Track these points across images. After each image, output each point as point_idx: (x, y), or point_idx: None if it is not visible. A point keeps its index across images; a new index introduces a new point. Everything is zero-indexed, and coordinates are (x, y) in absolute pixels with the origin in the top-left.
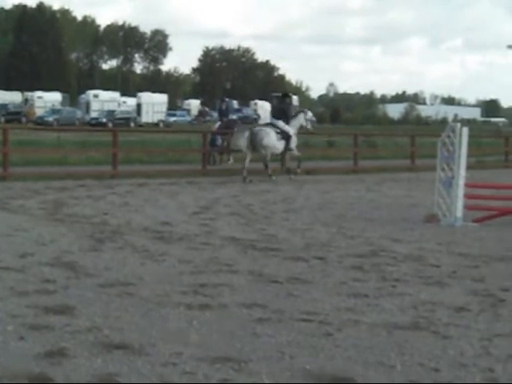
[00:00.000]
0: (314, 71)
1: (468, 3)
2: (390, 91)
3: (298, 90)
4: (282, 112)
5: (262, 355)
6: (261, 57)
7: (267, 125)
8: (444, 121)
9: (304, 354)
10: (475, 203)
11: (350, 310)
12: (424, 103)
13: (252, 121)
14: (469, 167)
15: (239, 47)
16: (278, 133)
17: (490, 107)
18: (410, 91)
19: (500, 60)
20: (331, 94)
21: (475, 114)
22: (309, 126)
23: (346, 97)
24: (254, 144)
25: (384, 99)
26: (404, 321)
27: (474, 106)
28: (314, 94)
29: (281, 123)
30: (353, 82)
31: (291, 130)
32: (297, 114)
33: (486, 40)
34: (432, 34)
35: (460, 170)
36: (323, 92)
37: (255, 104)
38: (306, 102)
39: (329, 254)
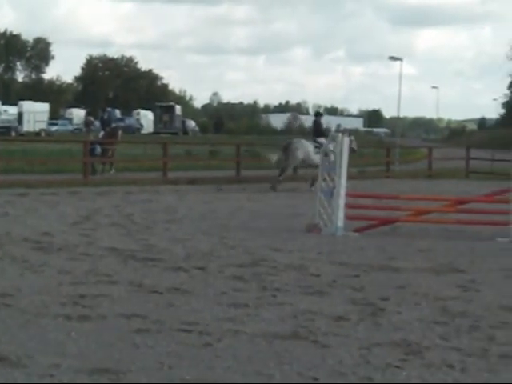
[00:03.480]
0: (197, 81)
1: (351, 14)
2: (274, 101)
3: (181, 100)
4: (319, 131)
5: (140, 366)
6: (144, 66)
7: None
8: (327, 131)
9: (183, 364)
10: (356, 213)
11: (230, 320)
12: (307, 113)
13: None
14: (350, 177)
15: (123, 56)
16: (316, 147)
17: (373, 117)
18: (294, 101)
19: (382, 71)
20: (215, 104)
21: (358, 124)
22: (353, 145)
23: (229, 106)
24: (288, 152)
25: (267, 109)
26: (284, 330)
27: (356, 116)
28: (198, 104)
29: (322, 139)
30: (237, 91)
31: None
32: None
33: (369, 51)
34: (315, 45)
35: (341, 180)
36: (207, 101)
37: (138, 113)
38: (190, 111)
39: (210, 263)
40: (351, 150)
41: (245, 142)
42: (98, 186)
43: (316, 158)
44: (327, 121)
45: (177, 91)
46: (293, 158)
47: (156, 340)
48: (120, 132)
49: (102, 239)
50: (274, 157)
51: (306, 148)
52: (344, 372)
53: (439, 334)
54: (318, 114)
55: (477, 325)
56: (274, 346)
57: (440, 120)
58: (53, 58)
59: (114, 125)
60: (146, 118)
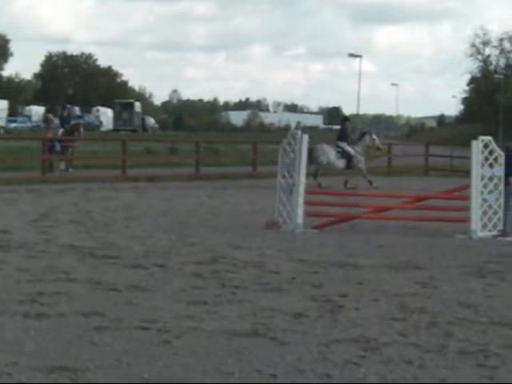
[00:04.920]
0: (157, 78)
1: (311, 11)
2: (234, 98)
3: (141, 97)
4: (343, 135)
5: (99, 364)
6: (104, 63)
7: (328, 144)
8: (287, 128)
9: (142, 362)
10: (316, 210)
11: (190, 318)
12: (267, 110)
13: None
14: (310, 174)
15: (82, 53)
16: (338, 152)
17: (333, 114)
18: (253, 98)
19: (342, 68)
20: (174, 101)
21: (318, 121)
22: (377, 144)
23: (189, 103)
24: (311, 158)
25: (227, 106)
26: (243, 328)
27: (316, 113)
28: (158, 101)
29: (342, 144)
30: (196, 88)
31: (352, 150)
32: (362, 136)
33: (329, 48)
34: (275, 42)
35: (300, 177)
36: (167, 99)
37: (97, 110)
38: (150, 108)
39: (169, 261)
40: (376, 148)
41: (204, 139)
42: (56, 183)
43: (338, 163)
44: (287, 118)
45: (136, 88)
46: (317, 163)
47: (114, 338)
48: (82, 129)
49: (61, 237)
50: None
51: (327, 153)
52: (303, 369)
53: (397, 330)
54: (344, 119)
55: (435, 321)
56: (233, 343)
57: (399, 117)
58: (11, 54)
59: (73, 122)
60: (106, 115)
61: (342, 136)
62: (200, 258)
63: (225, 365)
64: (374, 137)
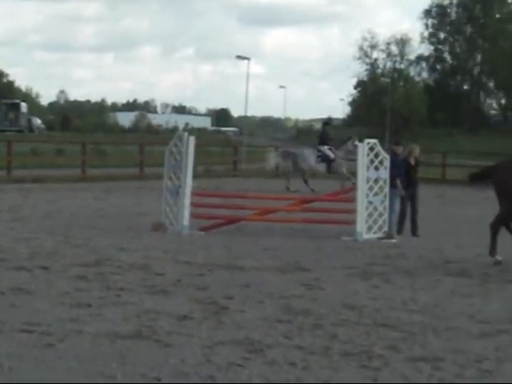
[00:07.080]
0: (44, 78)
1: (200, 13)
2: (122, 99)
3: (27, 97)
4: (324, 139)
5: None
6: None
7: (310, 149)
8: (174, 129)
9: (24, 365)
10: (203, 212)
11: (73, 321)
12: (155, 112)
13: None
14: (197, 176)
15: None
16: (319, 156)
17: (221, 116)
18: (142, 99)
19: (231, 70)
20: (62, 102)
21: (206, 123)
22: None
23: (76, 104)
24: (294, 164)
25: (115, 107)
26: (127, 330)
27: (204, 115)
28: (45, 102)
29: (323, 148)
30: (84, 89)
31: (332, 155)
32: (345, 141)
33: (217, 50)
34: (164, 43)
35: (187, 179)
36: (54, 99)
37: None
38: (36, 109)
39: (53, 263)
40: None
41: (91, 140)
42: None
43: (318, 167)
44: (175, 119)
45: (23, 88)
46: (301, 169)
47: None
48: None
49: None
50: (271, 160)
51: (308, 159)
52: (187, 372)
53: (282, 332)
54: (325, 124)
55: (319, 323)
56: (117, 345)
57: (288, 119)
58: None
59: None
60: None
61: (322, 140)
62: (85, 260)
63: (108, 368)
64: (356, 143)
